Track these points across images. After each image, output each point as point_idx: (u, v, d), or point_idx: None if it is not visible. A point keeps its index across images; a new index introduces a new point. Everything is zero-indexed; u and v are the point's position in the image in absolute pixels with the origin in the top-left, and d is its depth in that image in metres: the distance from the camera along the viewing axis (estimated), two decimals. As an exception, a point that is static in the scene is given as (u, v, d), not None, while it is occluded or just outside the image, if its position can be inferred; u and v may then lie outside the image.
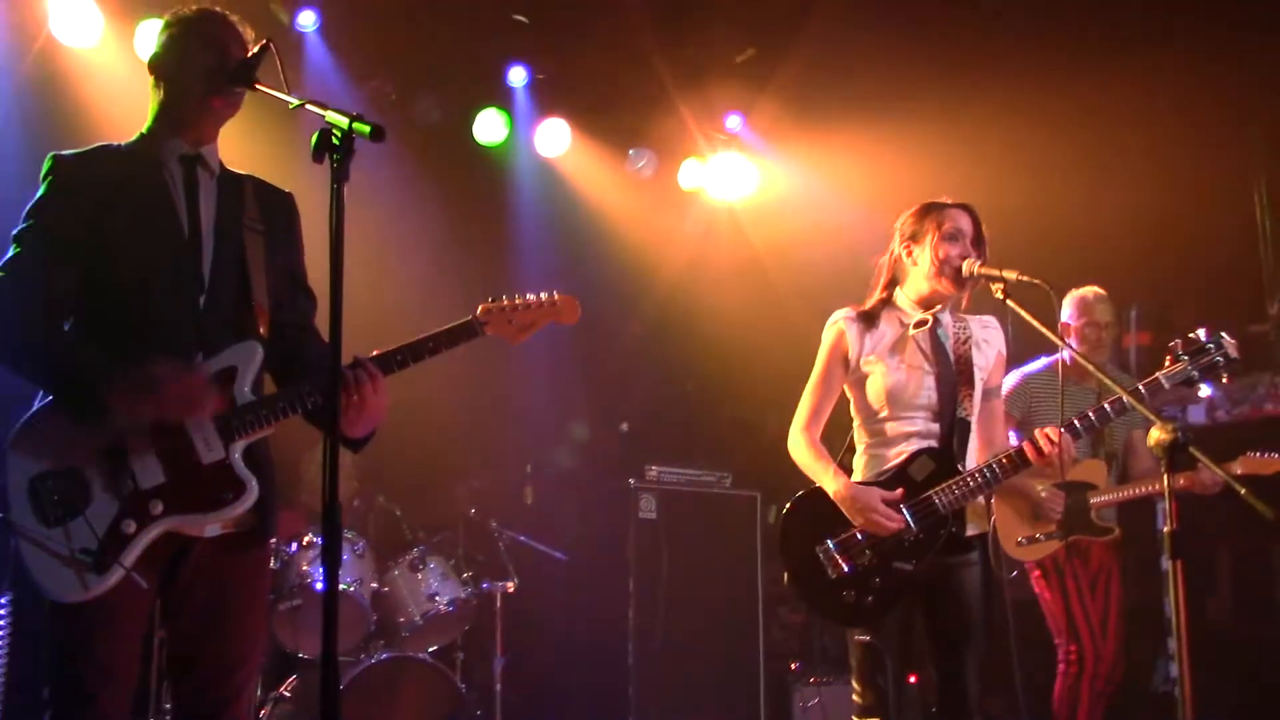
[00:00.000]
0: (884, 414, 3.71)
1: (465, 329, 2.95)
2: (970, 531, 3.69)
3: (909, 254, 3.78)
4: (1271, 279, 6.32)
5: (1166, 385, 3.70)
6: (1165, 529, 3.04)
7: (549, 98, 6.98)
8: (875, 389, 3.71)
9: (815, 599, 3.70)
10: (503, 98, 6.88)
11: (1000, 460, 3.64)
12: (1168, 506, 3.04)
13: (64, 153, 2.86)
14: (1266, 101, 5.95)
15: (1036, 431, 3.62)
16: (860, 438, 3.80)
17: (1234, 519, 5.05)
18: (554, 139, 7.04)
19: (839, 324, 3.78)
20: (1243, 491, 3.04)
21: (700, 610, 6.33)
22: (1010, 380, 4.95)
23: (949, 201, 3.79)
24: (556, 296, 3.06)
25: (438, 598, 5.54)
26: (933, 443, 3.69)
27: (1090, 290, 5.10)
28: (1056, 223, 6.07)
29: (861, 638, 3.62)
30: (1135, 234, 6.06)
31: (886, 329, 3.75)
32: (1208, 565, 6.22)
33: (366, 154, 2.54)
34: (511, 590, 5.89)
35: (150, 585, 2.73)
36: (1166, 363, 3.74)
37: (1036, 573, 5.05)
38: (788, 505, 3.78)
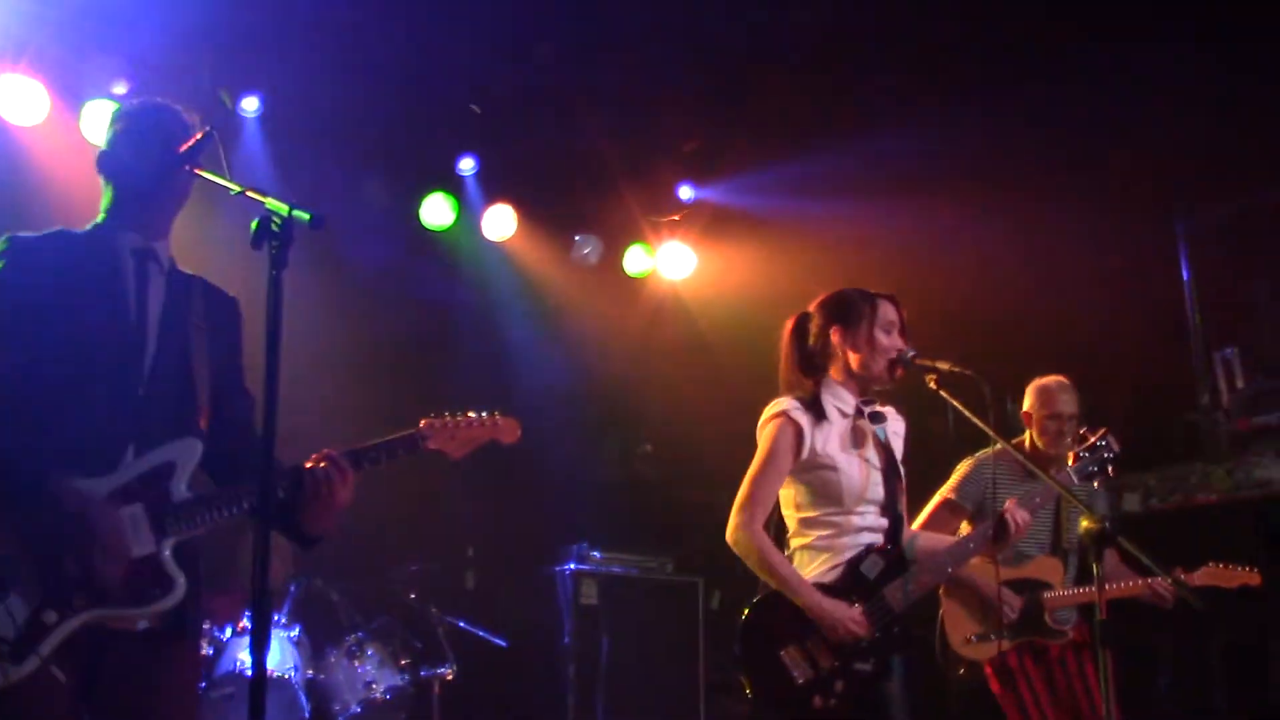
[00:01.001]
0: (838, 509, 3.67)
1: (407, 441, 2.98)
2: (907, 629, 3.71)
3: (839, 339, 3.75)
4: (1201, 370, 6.46)
5: (1075, 480, 4.08)
6: (1096, 619, 3.09)
7: (496, 183, 7.05)
8: (833, 484, 3.66)
9: (784, 707, 3.59)
10: (450, 183, 6.93)
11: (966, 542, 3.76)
12: (1098, 596, 3.09)
13: (21, 235, 2.87)
14: (1200, 192, 6.12)
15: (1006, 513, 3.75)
16: (803, 530, 3.72)
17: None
18: (500, 223, 7.10)
19: (788, 414, 3.68)
20: (1168, 579, 3.09)
21: (640, 697, 6.27)
22: (961, 468, 4.90)
23: (879, 291, 3.82)
24: (499, 417, 3.11)
25: (375, 686, 5.46)
26: (879, 538, 3.70)
27: (1054, 379, 4.95)
28: (990, 314, 6.19)
29: None
30: (1068, 328, 6.19)
31: (833, 421, 3.71)
32: (1148, 652, 6.22)
33: (310, 236, 2.56)
34: (450, 677, 5.82)
35: (72, 678, 2.67)
36: (1069, 461, 4.24)
37: (989, 670, 4.78)
38: (746, 611, 3.69)
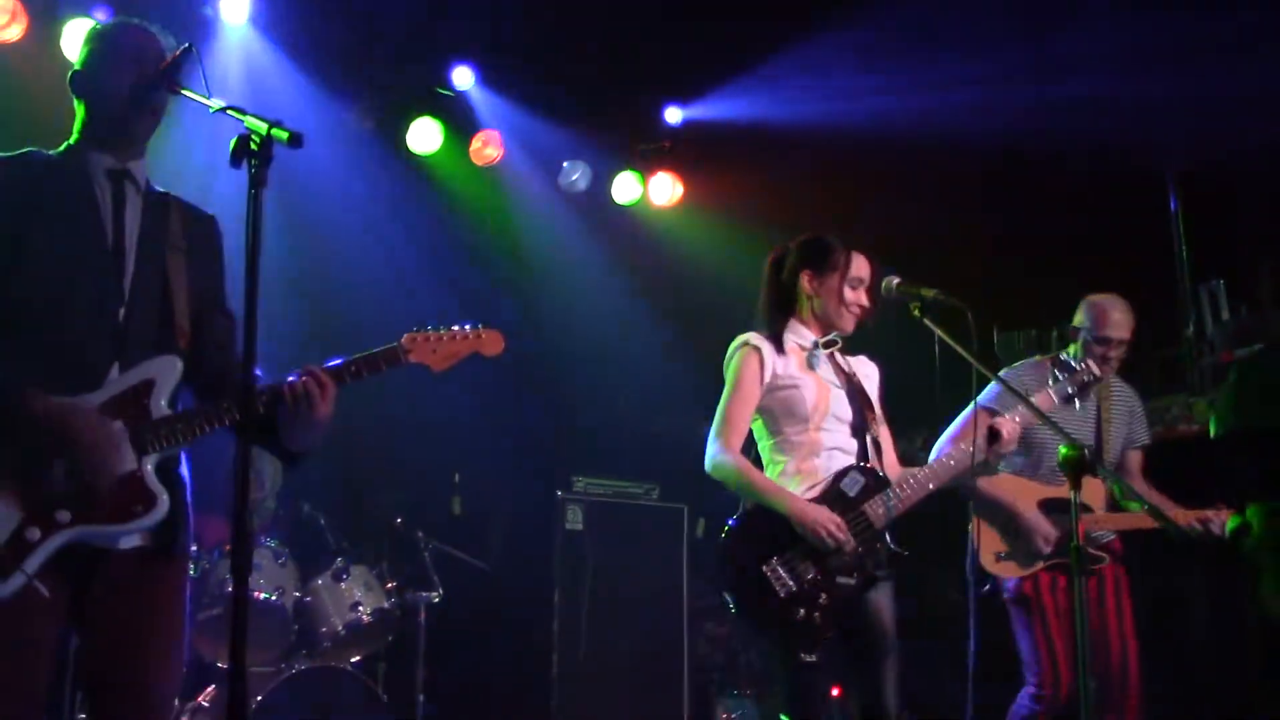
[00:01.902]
0: (805, 428, 3.77)
1: (388, 355, 2.98)
2: (892, 543, 3.78)
3: (809, 283, 3.88)
4: (1185, 303, 6.48)
5: (1056, 402, 4.01)
6: (1071, 545, 3.12)
7: (485, 108, 6.98)
8: (797, 403, 3.77)
9: (765, 621, 3.66)
10: (439, 106, 6.87)
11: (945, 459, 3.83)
12: (1073, 524, 3.12)
13: None
14: (1187, 124, 6.08)
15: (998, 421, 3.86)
16: (775, 457, 3.83)
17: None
18: (487, 149, 7.05)
19: (751, 344, 3.82)
20: (1145, 507, 3.12)
21: (625, 622, 6.35)
22: (995, 384, 4.74)
23: (850, 246, 3.91)
24: (482, 330, 3.10)
25: (361, 608, 5.49)
26: (854, 457, 3.76)
27: (1109, 298, 4.76)
28: (974, 242, 6.18)
29: (808, 659, 3.61)
30: (1053, 257, 6.19)
31: (792, 353, 3.85)
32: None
33: (298, 157, 2.54)
34: (436, 601, 5.87)
35: (59, 596, 2.69)
36: (1050, 383, 4.12)
37: (1015, 590, 4.73)
38: (726, 530, 3.75)
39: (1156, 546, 4.70)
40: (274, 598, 5.26)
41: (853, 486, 3.71)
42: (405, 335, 3.02)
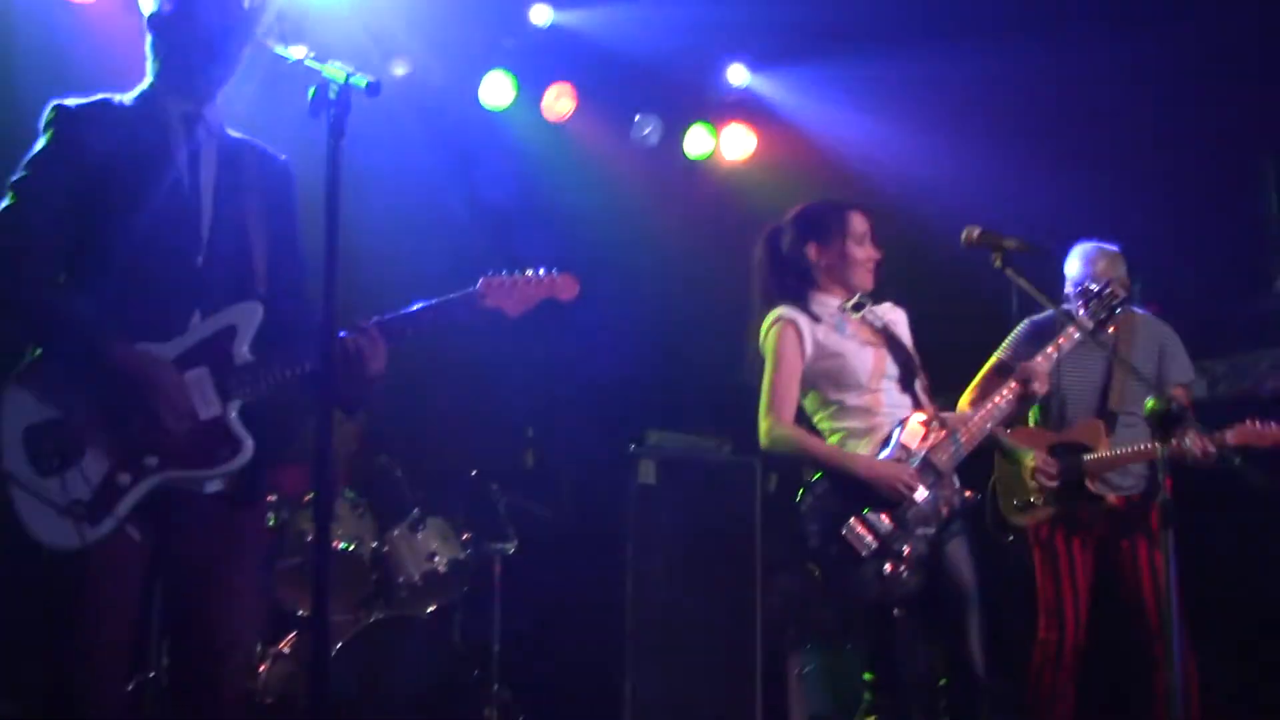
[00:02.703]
0: (860, 392, 3.77)
1: (465, 300, 2.99)
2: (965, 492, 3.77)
3: (817, 254, 3.88)
4: (1276, 256, 6.30)
5: (1090, 325, 3.97)
6: (1159, 499, 3.06)
7: (556, 62, 6.95)
8: (846, 370, 3.77)
9: (853, 582, 3.63)
10: (510, 60, 6.84)
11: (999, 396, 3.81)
12: (1161, 476, 3.06)
13: (66, 102, 2.86)
14: (1274, 71, 5.90)
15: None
16: (835, 425, 3.82)
17: (1238, 491, 4.91)
18: (560, 103, 7.02)
19: (786, 319, 3.82)
20: (1237, 461, 3.05)
21: (698, 576, 6.36)
22: (1019, 329, 5.03)
23: (842, 202, 3.94)
24: (555, 274, 3.11)
25: (437, 558, 5.57)
26: (909, 410, 3.73)
27: (1095, 246, 4.98)
28: (1059, 188, 6.05)
29: (897, 614, 3.64)
30: (1140, 206, 6.04)
31: (825, 319, 3.85)
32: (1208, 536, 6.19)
33: (371, 113, 2.54)
34: (511, 553, 5.93)
35: (145, 539, 2.75)
36: (1080, 313, 4.06)
37: (1032, 540, 4.98)
38: (799, 499, 3.73)
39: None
40: (352, 548, 5.34)
41: (913, 438, 3.71)
42: (481, 280, 3.03)
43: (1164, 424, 3.12)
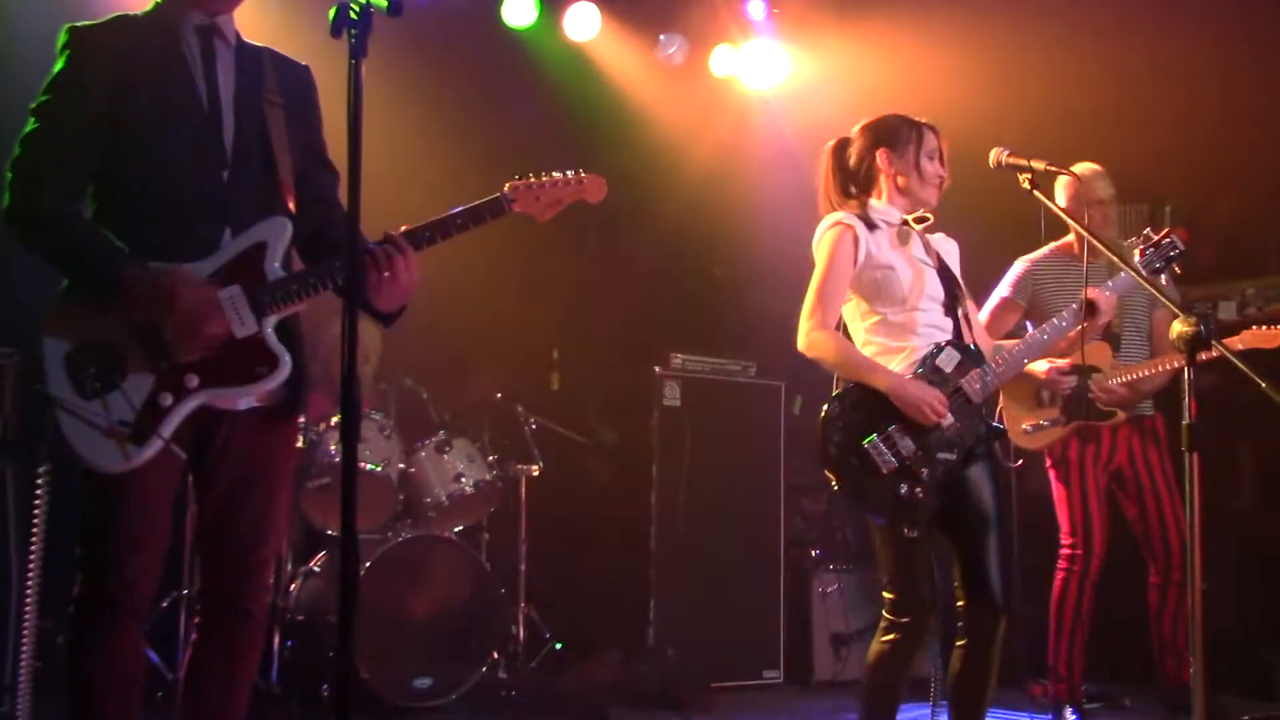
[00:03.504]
0: (902, 309, 3.72)
1: (493, 205, 2.95)
2: (993, 421, 3.79)
3: (886, 162, 3.81)
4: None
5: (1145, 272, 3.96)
6: (1184, 422, 3.04)
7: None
8: (893, 284, 3.72)
9: (869, 497, 3.63)
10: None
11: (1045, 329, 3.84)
12: (1187, 400, 3.04)
13: (80, 25, 2.83)
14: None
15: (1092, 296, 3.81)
16: (871, 337, 3.78)
17: (1257, 414, 4.96)
18: (583, 23, 6.94)
19: (843, 223, 3.75)
20: (1264, 385, 3.03)
21: (722, 497, 6.41)
22: (1016, 267, 5.14)
23: (922, 120, 3.84)
24: (583, 175, 3.06)
25: (463, 479, 5.63)
26: (949, 335, 3.72)
27: (1088, 168, 4.95)
28: (1091, 117, 5.96)
29: (912, 534, 3.61)
30: (1171, 131, 5.95)
31: (884, 229, 3.78)
32: (1230, 461, 6.22)
33: (391, 33, 2.51)
34: (536, 474, 5.98)
35: (184, 457, 2.78)
36: (1136, 255, 4.10)
37: (1049, 462, 5.06)
38: (825, 407, 3.71)
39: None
40: (379, 468, 5.40)
41: (949, 362, 3.68)
42: (508, 184, 2.98)
43: (1194, 346, 3.09)
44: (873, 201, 3.82)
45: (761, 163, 7.23)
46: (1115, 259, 3.67)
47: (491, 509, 5.85)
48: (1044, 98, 5.96)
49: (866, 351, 3.76)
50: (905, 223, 3.81)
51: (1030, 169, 3.63)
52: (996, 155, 3.73)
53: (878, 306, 3.75)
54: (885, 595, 3.68)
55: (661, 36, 7.23)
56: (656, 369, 6.42)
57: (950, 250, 3.93)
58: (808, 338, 3.73)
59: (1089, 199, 4.85)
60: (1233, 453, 6.18)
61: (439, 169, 6.08)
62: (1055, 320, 3.87)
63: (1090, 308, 3.82)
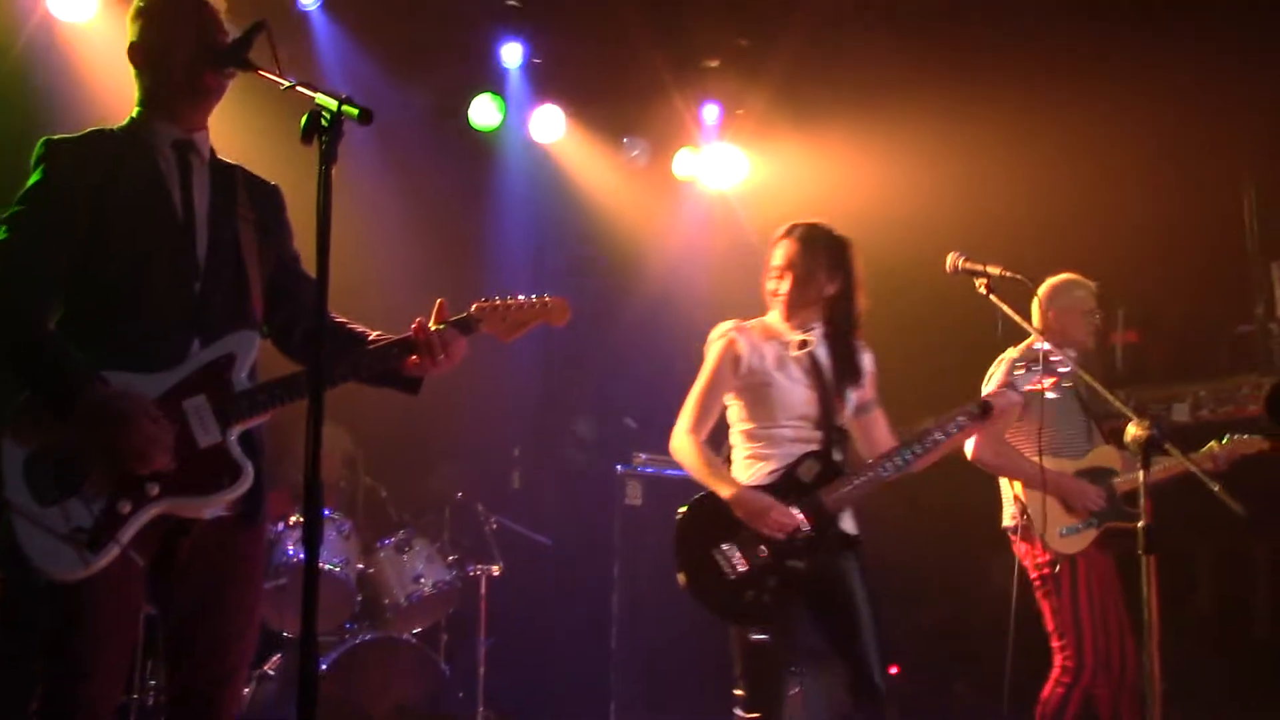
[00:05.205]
0: (771, 421, 3.84)
1: (460, 325, 2.99)
2: (849, 530, 3.84)
3: (766, 282, 4.01)
4: (1258, 281, 6.36)
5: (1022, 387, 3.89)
6: (1139, 524, 3.09)
7: (544, 84, 6.99)
8: (765, 400, 3.84)
9: (715, 600, 3.73)
10: (498, 83, 6.89)
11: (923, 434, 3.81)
12: (1142, 502, 3.09)
13: (56, 137, 2.85)
14: (1256, 104, 5.98)
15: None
16: (742, 443, 3.90)
17: (1215, 516, 4.99)
18: (548, 125, 7.06)
19: (729, 335, 3.90)
20: (1216, 488, 3.08)
21: (683, 597, 6.33)
22: (998, 371, 4.85)
23: (786, 229, 4.01)
24: (548, 298, 3.10)
25: (423, 580, 5.57)
26: (816, 446, 3.80)
27: (1075, 277, 4.91)
28: (1044, 221, 6.11)
29: (759, 638, 3.68)
30: (1122, 234, 6.11)
31: (769, 345, 3.90)
32: (1188, 562, 6.26)
33: (360, 134, 2.55)
34: (497, 574, 5.93)
35: (144, 564, 2.74)
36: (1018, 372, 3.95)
37: (1044, 571, 4.75)
38: (683, 510, 3.83)
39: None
40: (338, 569, 5.34)
41: (809, 473, 3.76)
42: (474, 305, 3.03)
43: (1148, 449, 3.15)
44: (771, 313, 3.98)
45: (725, 259, 7.34)
46: (1089, 379, 3.73)
47: (451, 610, 5.78)
48: (997, 204, 6.11)
49: (740, 454, 3.89)
50: (787, 346, 3.90)
51: (986, 274, 3.71)
52: (953, 260, 3.80)
53: (752, 416, 3.88)
54: (735, 692, 3.73)
55: (625, 139, 7.37)
56: (619, 468, 6.41)
57: (865, 361, 4.01)
58: (674, 441, 3.89)
59: (1085, 306, 4.81)
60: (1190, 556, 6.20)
61: (407, 267, 6.13)
62: (948, 424, 3.83)
63: (985, 409, 3.82)
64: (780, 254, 3.95)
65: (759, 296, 4.17)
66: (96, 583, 2.65)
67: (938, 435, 3.80)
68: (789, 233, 3.99)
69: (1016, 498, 4.76)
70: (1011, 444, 4.57)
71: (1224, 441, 4.67)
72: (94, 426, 2.64)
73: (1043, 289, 4.79)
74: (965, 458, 4.60)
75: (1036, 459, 4.49)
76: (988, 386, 4.84)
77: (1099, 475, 4.70)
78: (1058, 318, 4.70)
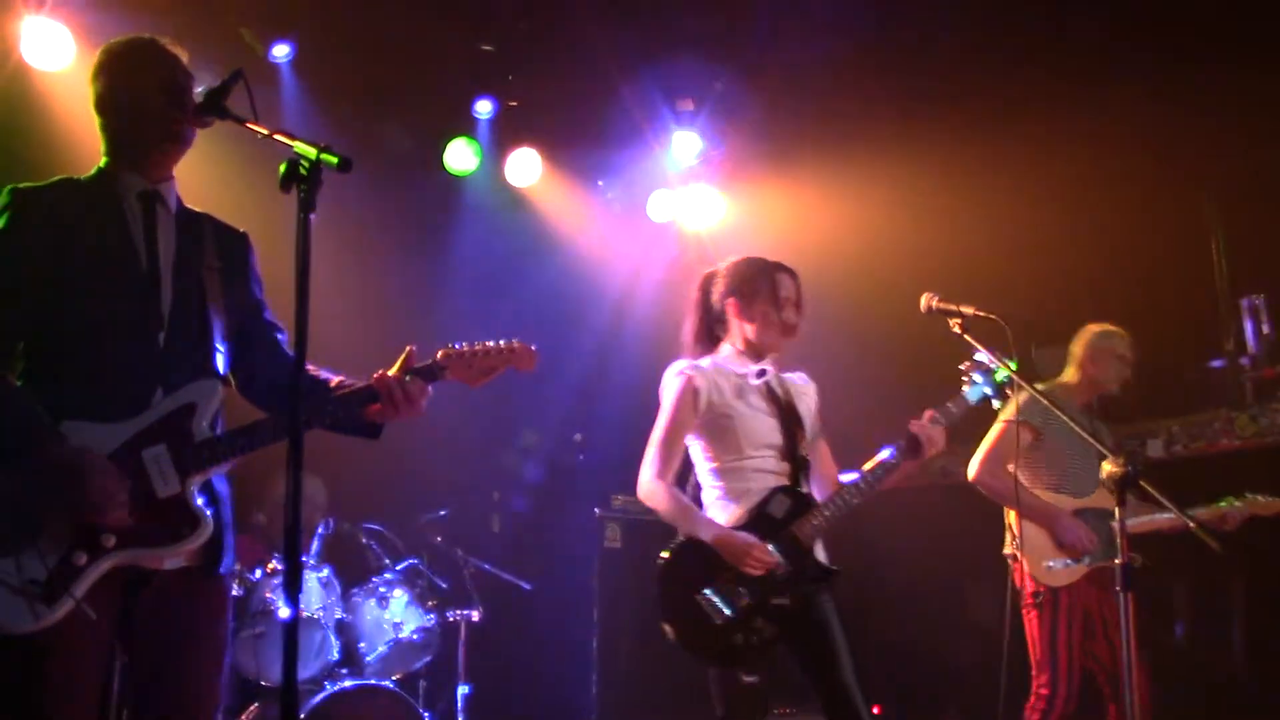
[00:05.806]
0: (738, 453, 3.82)
1: (425, 372, 2.99)
2: (823, 560, 3.81)
3: (736, 313, 3.93)
4: (1227, 317, 6.43)
5: (972, 401, 3.87)
6: (1118, 561, 3.10)
7: (520, 128, 7.03)
8: (729, 433, 3.81)
9: (707, 649, 3.67)
10: (474, 127, 6.92)
11: (875, 465, 3.76)
12: (1120, 540, 3.11)
13: (23, 186, 2.85)
14: (1224, 141, 6.07)
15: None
16: (710, 482, 3.87)
17: (1191, 554, 5.01)
18: (525, 169, 7.09)
19: (685, 373, 3.86)
20: (1192, 525, 3.10)
21: (665, 640, 6.32)
22: (1021, 396, 4.76)
23: (777, 263, 3.98)
24: (515, 344, 3.09)
25: (402, 626, 5.53)
26: (785, 480, 3.80)
27: (1111, 327, 5.09)
28: (1015, 259, 6.17)
29: (749, 680, 3.64)
30: (1093, 270, 6.17)
31: (725, 378, 3.87)
32: (1165, 599, 6.28)
33: (336, 181, 2.57)
34: (476, 619, 5.89)
35: (106, 616, 2.70)
36: (964, 384, 3.91)
37: (1029, 600, 4.85)
38: (663, 557, 3.77)
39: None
40: (317, 616, 5.30)
41: (780, 508, 3.74)
42: (440, 352, 3.03)
43: (1124, 486, 3.17)
44: (724, 348, 3.95)
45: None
46: (1050, 405, 3.75)
47: (430, 656, 5.73)
48: (968, 243, 6.17)
49: (709, 495, 3.86)
50: (746, 377, 3.88)
51: (960, 314, 3.73)
52: (927, 300, 3.82)
53: (716, 453, 3.85)
54: None
55: (600, 181, 7.40)
56: (598, 511, 6.40)
57: (806, 390, 4.03)
58: (643, 487, 3.84)
59: (1115, 351, 5.03)
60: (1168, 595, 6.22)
61: (377, 312, 6.13)
62: (883, 459, 3.80)
63: (914, 443, 3.76)
64: (793, 287, 3.93)
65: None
66: (52, 636, 2.62)
67: (875, 476, 3.76)
68: (788, 269, 3.98)
69: (1009, 526, 4.82)
70: (1009, 472, 4.58)
71: (1238, 502, 4.68)
72: (48, 481, 2.63)
73: (1083, 331, 4.89)
74: (959, 490, 4.64)
75: (1037, 491, 4.58)
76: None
77: (1100, 515, 4.72)
78: (1091, 358, 4.97)
